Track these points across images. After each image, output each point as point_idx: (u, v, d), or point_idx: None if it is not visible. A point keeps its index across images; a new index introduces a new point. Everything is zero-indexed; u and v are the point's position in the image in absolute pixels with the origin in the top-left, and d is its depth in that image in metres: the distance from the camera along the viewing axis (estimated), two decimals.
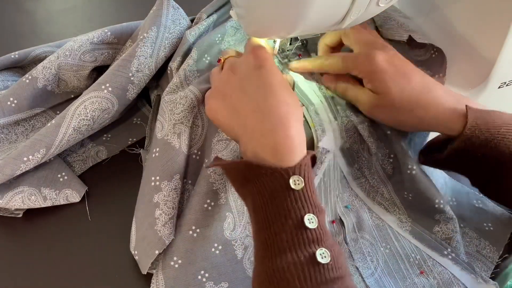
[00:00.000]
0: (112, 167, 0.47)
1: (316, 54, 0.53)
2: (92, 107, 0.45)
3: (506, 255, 0.46)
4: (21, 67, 0.55)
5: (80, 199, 0.48)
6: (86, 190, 0.49)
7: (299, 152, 0.35)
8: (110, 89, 0.46)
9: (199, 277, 0.42)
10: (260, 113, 0.36)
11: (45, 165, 0.48)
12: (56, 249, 0.45)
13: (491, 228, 0.47)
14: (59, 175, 0.48)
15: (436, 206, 0.46)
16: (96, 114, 0.46)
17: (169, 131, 0.44)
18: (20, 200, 0.45)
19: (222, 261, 0.43)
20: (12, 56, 0.53)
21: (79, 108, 0.45)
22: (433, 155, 0.44)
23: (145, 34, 0.48)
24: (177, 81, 0.47)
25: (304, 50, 0.54)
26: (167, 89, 0.47)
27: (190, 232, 0.42)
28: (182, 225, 0.43)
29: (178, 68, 0.48)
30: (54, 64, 0.49)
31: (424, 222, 0.46)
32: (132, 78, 0.47)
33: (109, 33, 0.52)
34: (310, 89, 0.50)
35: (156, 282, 0.41)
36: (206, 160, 0.45)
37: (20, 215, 0.47)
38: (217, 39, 0.51)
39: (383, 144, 0.48)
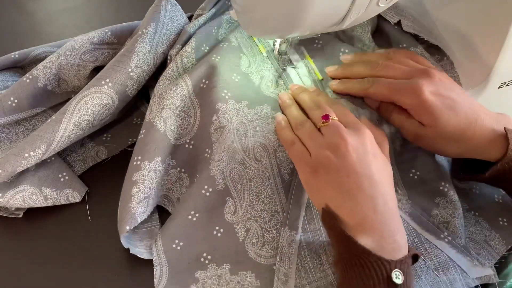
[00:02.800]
0: (112, 167, 0.47)
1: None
2: (92, 102, 0.45)
3: (506, 253, 0.45)
4: (21, 67, 0.55)
5: (80, 199, 0.48)
6: (87, 190, 0.49)
7: (403, 249, 0.36)
8: (110, 84, 0.46)
9: (202, 259, 0.43)
10: (374, 202, 0.36)
11: (46, 165, 0.48)
12: (56, 249, 0.45)
13: (505, 224, 0.47)
14: (60, 175, 0.48)
15: (441, 188, 0.46)
16: (96, 109, 0.46)
17: (156, 114, 0.45)
18: (21, 199, 0.45)
19: (224, 244, 0.43)
20: (12, 56, 0.53)
21: (79, 103, 0.45)
22: (473, 175, 0.44)
23: (144, 30, 0.48)
24: (174, 66, 0.48)
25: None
26: (164, 73, 0.48)
27: (189, 216, 0.43)
28: (181, 211, 0.44)
29: (176, 55, 0.49)
30: (55, 64, 0.49)
31: (424, 205, 0.46)
32: (131, 74, 0.47)
33: (109, 33, 0.52)
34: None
35: (159, 264, 0.42)
36: (208, 150, 0.46)
37: (20, 216, 0.47)
38: (213, 30, 0.52)
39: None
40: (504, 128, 0.41)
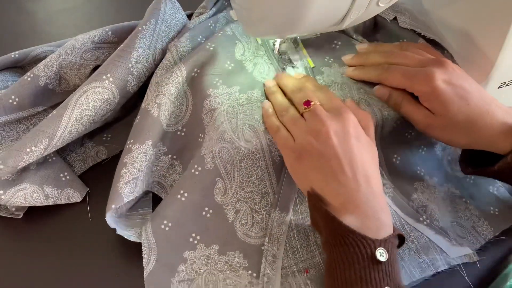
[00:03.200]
0: (112, 167, 0.47)
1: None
2: (93, 97, 0.45)
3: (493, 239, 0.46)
4: (21, 67, 0.55)
5: (81, 199, 0.48)
6: (87, 191, 0.49)
7: (388, 227, 0.37)
8: (111, 79, 0.46)
9: (191, 239, 0.44)
10: (357, 183, 0.37)
11: (47, 165, 0.48)
12: (56, 249, 0.45)
13: (496, 213, 0.48)
14: (61, 175, 0.48)
15: (418, 172, 0.47)
16: (97, 104, 0.46)
17: (151, 100, 0.46)
18: (22, 196, 0.45)
19: (213, 224, 0.44)
20: (12, 56, 0.53)
21: (80, 98, 0.45)
22: (482, 168, 0.44)
23: (143, 26, 0.48)
24: (170, 57, 0.49)
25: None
26: (160, 64, 0.49)
27: (179, 196, 0.44)
28: (171, 192, 0.44)
29: (172, 46, 0.50)
30: (56, 63, 0.50)
31: (404, 189, 0.47)
32: (131, 69, 0.47)
33: (110, 32, 0.52)
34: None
35: (148, 245, 0.43)
36: (201, 135, 0.46)
37: (20, 216, 0.47)
38: (210, 24, 0.53)
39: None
40: None
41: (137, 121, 0.47)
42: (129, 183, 0.44)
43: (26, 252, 0.45)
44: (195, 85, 0.48)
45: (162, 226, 0.43)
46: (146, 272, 0.42)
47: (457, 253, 0.44)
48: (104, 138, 0.53)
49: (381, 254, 0.34)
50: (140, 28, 0.48)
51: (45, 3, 0.71)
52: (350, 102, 0.45)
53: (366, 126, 0.42)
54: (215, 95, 0.46)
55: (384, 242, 0.35)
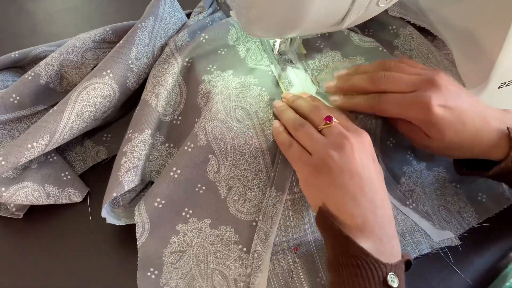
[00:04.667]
0: (112, 167, 0.47)
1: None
2: (94, 93, 0.45)
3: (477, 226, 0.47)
4: (21, 67, 0.55)
5: (82, 198, 0.48)
6: (88, 191, 0.49)
7: (398, 253, 0.37)
8: (111, 75, 0.46)
9: (183, 213, 0.44)
10: (374, 207, 0.37)
11: (49, 164, 0.48)
12: (56, 249, 0.45)
13: (483, 200, 0.49)
14: (62, 174, 0.48)
15: (407, 156, 0.48)
16: (98, 100, 0.46)
17: (149, 91, 0.47)
18: (23, 194, 0.45)
19: (205, 200, 0.45)
20: (12, 56, 0.53)
21: (81, 94, 0.45)
22: (477, 172, 0.44)
23: (143, 23, 0.49)
24: (168, 50, 0.50)
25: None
26: (159, 59, 0.50)
27: (171, 173, 0.44)
28: (164, 169, 0.45)
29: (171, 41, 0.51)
30: (57, 61, 0.50)
31: (395, 173, 0.47)
32: (131, 66, 0.48)
33: (110, 31, 0.52)
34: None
35: (141, 223, 0.43)
36: (196, 120, 0.47)
37: (21, 216, 0.47)
38: (207, 22, 0.55)
39: None
40: (508, 128, 0.41)
41: (136, 112, 0.47)
42: (129, 172, 0.44)
43: (26, 252, 0.45)
44: (189, 74, 0.49)
45: (155, 204, 0.44)
46: (139, 243, 0.43)
47: (439, 236, 0.45)
48: (104, 138, 0.53)
49: (392, 280, 0.34)
50: (139, 25, 0.49)
51: (45, 3, 0.71)
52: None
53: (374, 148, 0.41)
54: (209, 79, 0.47)
55: (395, 267, 0.35)
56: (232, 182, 0.44)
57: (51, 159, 0.49)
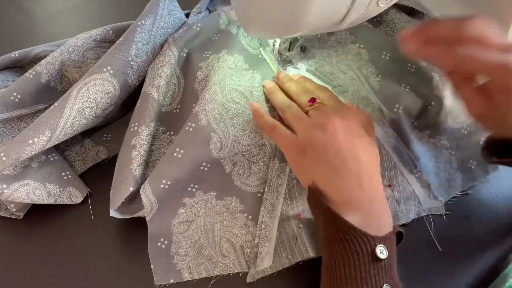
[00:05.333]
0: (112, 167, 0.47)
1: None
2: (94, 89, 0.45)
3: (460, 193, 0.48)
4: (21, 66, 0.55)
5: (82, 199, 0.48)
6: (88, 191, 0.49)
7: (388, 226, 0.37)
8: (111, 71, 0.46)
9: (189, 188, 0.46)
10: (360, 181, 0.37)
11: (49, 163, 0.48)
12: (56, 249, 0.45)
13: (473, 167, 0.50)
14: (63, 173, 0.48)
15: (412, 126, 0.49)
16: (98, 96, 0.46)
17: (150, 84, 0.48)
18: (24, 192, 0.45)
19: (211, 176, 0.46)
20: (12, 55, 0.53)
21: (82, 90, 0.45)
22: (504, 159, 0.41)
23: (142, 21, 0.49)
24: (166, 45, 0.50)
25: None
26: (158, 56, 0.50)
27: (175, 154, 0.44)
28: (167, 151, 0.45)
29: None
30: (58, 60, 0.50)
31: (404, 139, 0.48)
32: (131, 63, 0.48)
33: (111, 31, 0.52)
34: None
35: (150, 204, 0.44)
36: (193, 105, 0.47)
37: (21, 217, 0.47)
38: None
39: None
40: None
41: (138, 105, 0.48)
42: (141, 165, 0.45)
43: (27, 252, 0.45)
44: (186, 64, 0.50)
45: (162, 186, 0.44)
46: (148, 218, 0.44)
47: (429, 205, 0.46)
48: (104, 138, 0.53)
49: (381, 252, 0.34)
50: (139, 23, 0.49)
51: (45, 3, 0.71)
52: (351, 104, 0.45)
53: (367, 127, 0.42)
54: (206, 65, 0.49)
55: (384, 239, 0.35)
56: (237, 158, 0.46)
57: (51, 159, 0.49)
